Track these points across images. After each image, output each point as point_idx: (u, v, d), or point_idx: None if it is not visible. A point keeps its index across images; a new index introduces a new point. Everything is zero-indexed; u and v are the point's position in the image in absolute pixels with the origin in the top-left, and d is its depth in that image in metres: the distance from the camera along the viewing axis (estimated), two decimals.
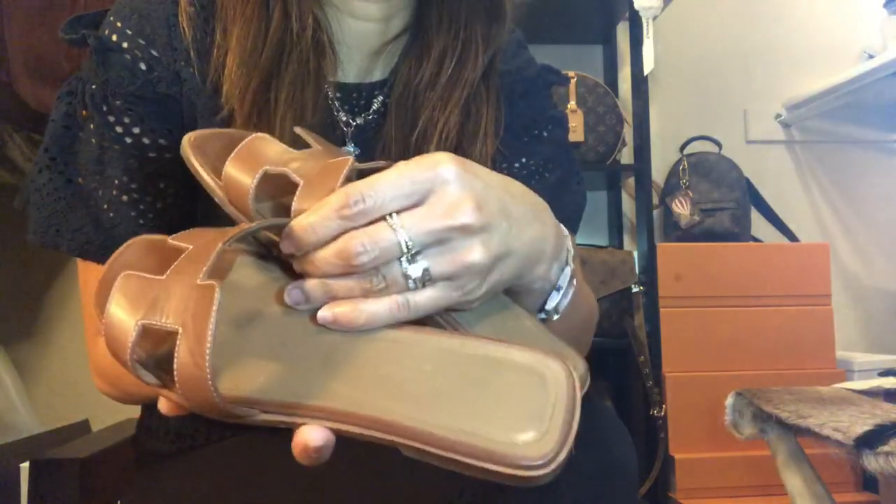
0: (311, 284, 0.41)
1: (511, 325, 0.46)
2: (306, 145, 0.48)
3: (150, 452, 0.68)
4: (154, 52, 0.61)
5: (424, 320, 0.42)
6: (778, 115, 2.13)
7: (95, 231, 0.60)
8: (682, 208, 1.90)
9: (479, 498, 0.44)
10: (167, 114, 0.62)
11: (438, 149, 0.65)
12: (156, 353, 0.39)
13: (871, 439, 0.96)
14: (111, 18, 0.62)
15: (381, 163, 0.45)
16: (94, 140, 0.60)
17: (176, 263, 0.38)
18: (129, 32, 0.61)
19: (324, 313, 0.41)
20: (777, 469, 1.23)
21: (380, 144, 0.66)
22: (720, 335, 1.71)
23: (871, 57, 2.03)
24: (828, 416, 1.07)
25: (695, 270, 1.73)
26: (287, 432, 0.38)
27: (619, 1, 1.82)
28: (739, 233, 1.90)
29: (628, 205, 2.01)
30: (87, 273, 0.62)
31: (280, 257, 0.44)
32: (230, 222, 0.45)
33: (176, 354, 0.35)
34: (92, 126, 0.60)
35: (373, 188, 0.39)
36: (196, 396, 0.36)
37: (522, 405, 0.35)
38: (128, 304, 0.37)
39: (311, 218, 0.40)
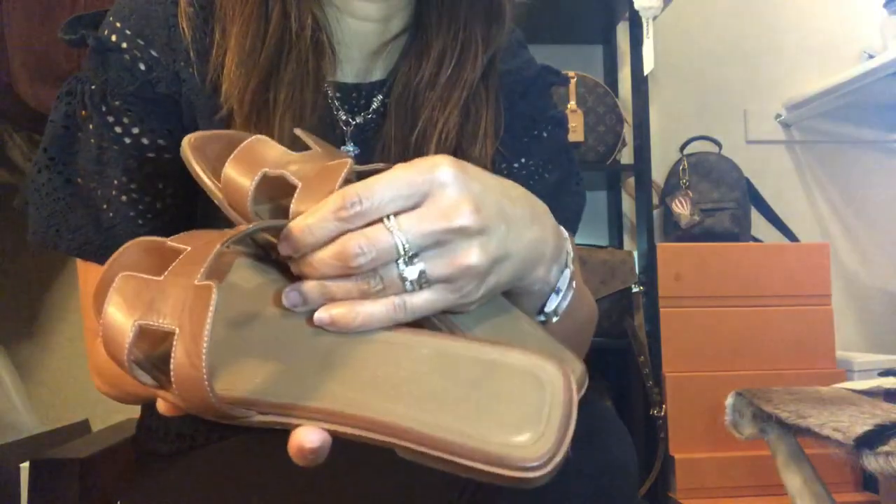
0: (309, 286, 0.41)
1: (509, 327, 0.46)
2: (307, 147, 0.48)
3: (150, 452, 0.68)
4: (153, 53, 0.61)
5: (422, 322, 0.42)
6: (778, 115, 2.13)
7: (95, 231, 0.60)
8: (682, 208, 1.90)
9: (479, 499, 0.44)
10: (166, 114, 0.62)
11: (438, 149, 0.65)
12: (153, 353, 0.39)
13: (871, 439, 0.96)
14: (110, 19, 0.62)
15: (380, 165, 0.45)
16: (93, 140, 0.60)
17: (174, 264, 0.38)
18: (128, 33, 0.61)
19: (321, 314, 0.41)
20: (777, 469, 1.23)
21: (379, 144, 0.66)
22: (720, 335, 1.71)
23: (871, 57, 2.03)
24: (828, 416, 1.07)
25: (695, 270, 1.73)
26: (286, 433, 0.38)
27: (619, 1, 1.82)
28: (739, 233, 1.90)
29: (628, 205, 2.01)
30: (87, 273, 0.62)
31: (278, 260, 0.44)
32: (230, 223, 0.45)
33: (172, 355, 0.36)
34: (91, 126, 0.60)
35: (370, 190, 0.39)
36: (192, 397, 0.36)
37: (519, 407, 0.35)
38: (125, 305, 0.37)
39: (308, 220, 0.40)
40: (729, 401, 1.28)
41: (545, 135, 0.73)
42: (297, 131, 0.50)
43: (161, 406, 0.40)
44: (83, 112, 0.61)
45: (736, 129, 2.12)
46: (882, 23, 2.06)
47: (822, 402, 1.17)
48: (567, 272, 0.52)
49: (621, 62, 2.06)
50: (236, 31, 0.60)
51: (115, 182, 0.60)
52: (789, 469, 1.21)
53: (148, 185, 0.61)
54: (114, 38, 0.61)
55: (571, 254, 0.53)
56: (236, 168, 0.44)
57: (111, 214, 0.60)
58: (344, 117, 0.67)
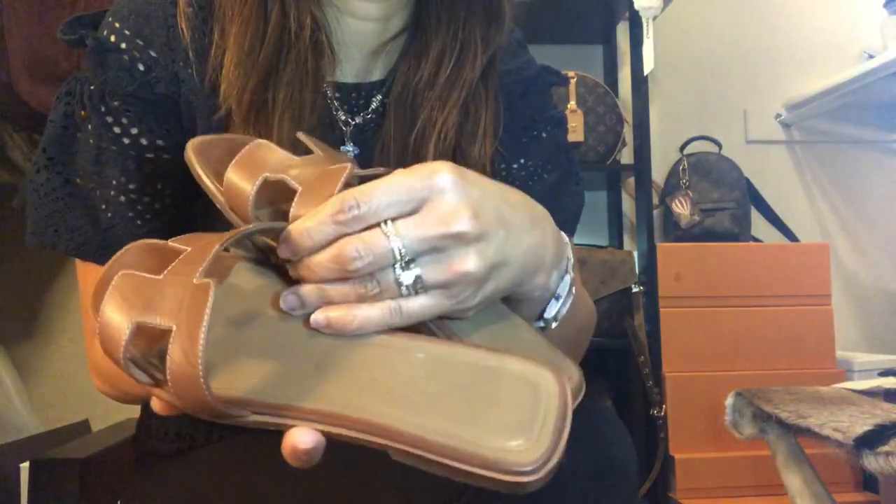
0: (307, 290, 0.42)
1: (507, 334, 0.46)
2: (309, 151, 0.48)
3: (150, 452, 0.68)
4: (152, 53, 0.61)
5: (419, 328, 0.42)
6: (778, 115, 2.13)
7: (93, 231, 0.60)
8: (682, 208, 1.90)
9: (478, 500, 0.44)
10: (165, 114, 0.62)
11: (437, 148, 0.65)
12: (150, 352, 0.39)
13: (871, 439, 0.96)
14: (110, 19, 0.62)
15: (381, 170, 0.45)
16: (91, 140, 0.60)
17: (173, 264, 0.38)
18: (127, 33, 0.61)
19: (317, 317, 0.41)
20: (777, 469, 1.23)
21: (378, 144, 0.66)
22: (720, 335, 1.71)
23: (871, 57, 2.03)
24: (828, 416, 1.07)
25: (695, 270, 1.73)
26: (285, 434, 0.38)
27: (619, 1, 1.82)
28: (739, 233, 1.90)
29: (628, 205, 2.01)
30: (86, 273, 0.62)
31: (278, 265, 0.45)
32: (230, 224, 0.45)
33: (169, 352, 0.36)
34: (90, 126, 0.60)
35: (368, 195, 0.40)
36: (187, 394, 0.36)
37: (513, 412, 0.36)
38: (123, 303, 0.37)
39: (307, 223, 0.40)
40: (729, 401, 1.28)
41: (544, 135, 0.73)
42: (300, 135, 0.50)
43: (156, 405, 0.40)
44: (82, 112, 0.61)
45: (736, 129, 2.12)
46: (882, 23, 2.06)
47: (822, 402, 1.17)
48: (567, 278, 0.51)
49: (621, 62, 2.06)
50: (235, 31, 0.60)
51: (114, 182, 0.60)
52: (789, 469, 1.21)
53: (146, 186, 0.61)
54: (113, 38, 0.61)
55: (572, 259, 0.53)
56: (238, 172, 0.44)
57: (110, 215, 0.60)
58: (343, 117, 0.67)
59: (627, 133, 1.84)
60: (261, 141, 0.47)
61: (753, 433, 1.24)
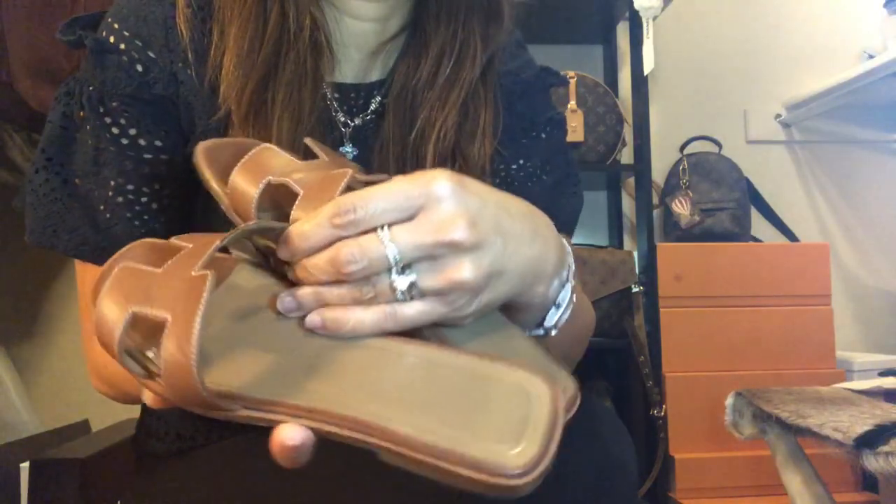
0: (303, 292, 0.42)
1: (503, 344, 0.46)
2: (315, 155, 0.49)
3: (150, 453, 0.68)
4: (151, 54, 0.61)
5: (414, 334, 0.42)
6: (778, 115, 2.13)
7: (92, 232, 0.60)
8: (682, 208, 1.90)
9: (478, 500, 0.44)
10: (163, 115, 0.62)
11: (436, 148, 0.65)
12: (145, 344, 0.39)
13: (871, 439, 0.96)
14: (109, 20, 0.62)
15: (384, 176, 0.45)
16: (90, 141, 0.60)
17: (173, 259, 0.39)
18: (126, 34, 0.61)
19: (313, 318, 0.41)
20: (777, 469, 1.23)
21: (378, 144, 0.66)
22: (720, 335, 1.71)
23: (871, 57, 2.03)
24: (828, 416, 1.07)
25: (695, 270, 1.73)
26: None
27: (619, 1, 1.82)
28: (739, 233, 1.90)
29: (628, 205, 2.01)
30: (85, 274, 0.62)
31: (278, 268, 0.45)
32: (230, 223, 0.46)
33: (163, 342, 0.36)
34: (88, 127, 0.60)
35: (365, 200, 0.40)
36: (179, 385, 0.36)
37: (504, 418, 0.36)
38: (120, 293, 0.38)
39: (305, 226, 0.41)
40: (729, 401, 1.28)
41: (543, 136, 0.73)
42: (307, 140, 0.51)
43: (148, 398, 0.40)
44: (81, 113, 0.61)
45: (736, 129, 2.12)
46: (882, 23, 2.05)
47: (822, 402, 1.17)
48: (568, 286, 0.51)
49: (621, 62, 2.06)
50: (234, 31, 0.61)
51: (112, 183, 0.60)
52: (789, 469, 1.21)
53: (144, 186, 0.61)
54: (112, 39, 0.61)
55: (573, 268, 0.53)
56: (243, 176, 0.45)
57: (108, 215, 0.60)
58: (342, 118, 0.67)
59: (627, 133, 1.84)
60: (267, 145, 0.47)
61: (753, 433, 1.24)
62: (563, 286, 0.51)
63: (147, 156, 0.61)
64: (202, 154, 0.48)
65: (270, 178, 0.44)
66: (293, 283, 0.43)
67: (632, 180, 1.81)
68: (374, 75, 0.69)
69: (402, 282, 0.40)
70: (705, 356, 1.70)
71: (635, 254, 1.75)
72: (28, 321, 1.86)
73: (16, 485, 1.09)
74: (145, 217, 0.61)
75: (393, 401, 0.37)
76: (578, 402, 0.43)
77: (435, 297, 0.41)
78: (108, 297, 0.38)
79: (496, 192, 0.45)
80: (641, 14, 1.71)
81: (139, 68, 0.61)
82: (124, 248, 0.41)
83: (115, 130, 0.60)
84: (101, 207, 0.60)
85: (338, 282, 0.41)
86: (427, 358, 0.39)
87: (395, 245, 0.40)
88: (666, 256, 1.73)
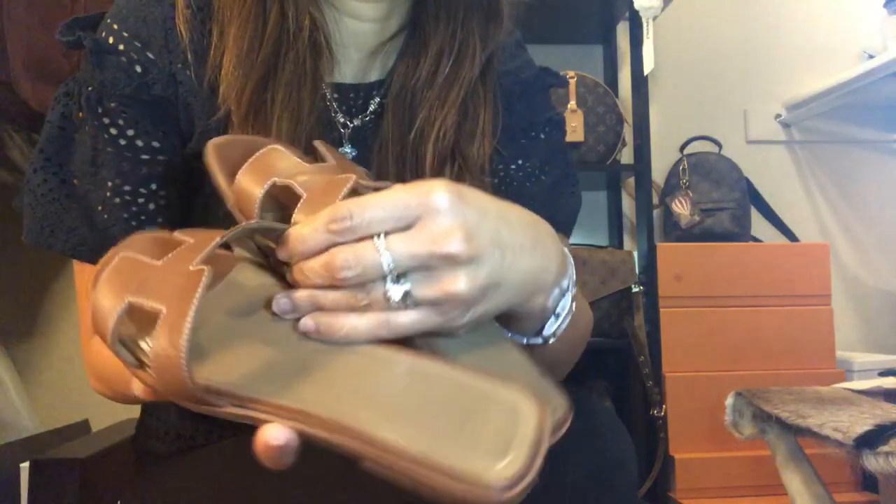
0: (299, 294, 0.42)
1: (497, 358, 0.46)
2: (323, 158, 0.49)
3: (150, 452, 0.68)
4: (150, 55, 0.61)
5: (407, 341, 0.42)
6: (778, 115, 2.13)
7: (89, 232, 0.61)
8: (682, 208, 1.90)
9: None
10: (162, 116, 0.62)
11: (436, 148, 0.65)
12: (140, 335, 0.40)
13: (871, 439, 0.96)
14: (108, 21, 0.62)
15: (389, 183, 0.45)
16: (88, 142, 0.61)
17: (173, 252, 0.39)
18: (125, 35, 0.61)
19: (306, 322, 0.41)
20: (777, 469, 1.23)
21: (377, 144, 0.66)
22: (720, 335, 1.71)
23: (871, 57, 2.03)
24: (828, 416, 1.07)
25: (695, 270, 1.73)
26: None
27: (619, 1, 1.82)
28: (739, 233, 1.90)
29: (628, 205, 2.01)
30: (83, 274, 0.62)
31: (277, 269, 0.45)
32: (229, 224, 0.46)
33: (155, 333, 0.36)
34: (87, 128, 0.61)
35: (361, 207, 0.40)
36: (167, 378, 0.37)
37: (490, 434, 0.35)
38: (118, 282, 0.38)
39: (303, 229, 0.41)
40: (729, 401, 1.28)
41: (542, 136, 0.73)
42: (317, 143, 0.51)
43: (137, 388, 0.41)
44: (80, 114, 0.61)
45: (736, 129, 2.12)
46: (882, 23, 2.05)
47: (822, 402, 1.17)
48: (568, 296, 0.51)
49: (621, 62, 2.06)
50: (234, 31, 0.61)
51: (109, 184, 0.60)
52: (789, 469, 1.21)
53: (141, 187, 0.61)
54: (111, 40, 0.61)
55: (574, 277, 0.52)
56: (249, 175, 0.45)
57: (105, 216, 0.60)
58: (342, 119, 0.67)
59: (627, 133, 1.84)
60: (276, 146, 0.48)
61: (753, 433, 1.24)
62: (563, 295, 0.51)
63: (144, 157, 0.61)
64: (213, 150, 0.48)
65: (276, 179, 0.44)
66: (292, 285, 0.43)
67: (632, 180, 1.81)
68: (374, 75, 0.69)
69: (396, 291, 0.40)
70: (705, 356, 1.70)
71: (635, 254, 1.75)
72: (28, 321, 1.86)
73: (16, 485, 1.09)
74: (142, 218, 0.61)
75: (380, 408, 0.37)
76: (569, 422, 0.43)
77: (429, 306, 0.41)
78: (105, 285, 0.38)
79: (498, 201, 0.45)
80: (641, 14, 1.71)
81: (138, 69, 0.61)
82: (127, 239, 0.42)
83: (113, 131, 0.60)
84: (99, 208, 0.60)
85: (333, 286, 0.41)
86: (418, 368, 0.39)
87: (390, 254, 0.39)
88: (666, 256, 1.73)
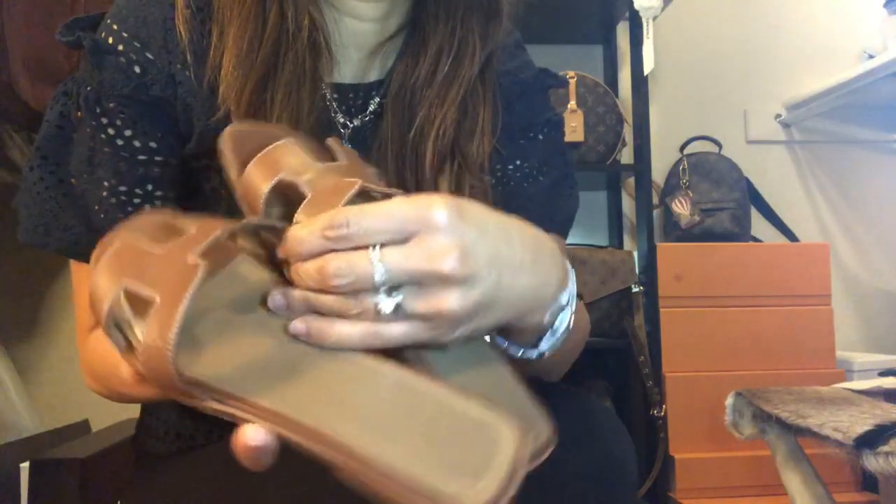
0: (294, 294, 0.42)
1: (486, 377, 0.46)
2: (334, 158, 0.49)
3: (150, 452, 0.68)
4: (149, 55, 0.61)
5: (396, 352, 0.42)
6: (778, 115, 2.13)
7: (85, 231, 0.61)
8: (682, 208, 1.90)
9: None
10: (160, 117, 0.62)
11: (436, 146, 0.65)
12: (134, 319, 0.40)
13: (871, 439, 0.96)
14: (108, 21, 0.62)
15: (398, 191, 0.45)
16: (86, 141, 0.61)
17: (174, 241, 0.40)
18: (124, 35, 0.61)
19: (297, 325, 0.41)
20: (777, 469, 1.23)
21: (377, 143, 0.66)
22: (720, 335, 1.71)
23: (871, 57, 2.03)
24: (828, 416, 1.07)
25: (695, 270, 1.73)
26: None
27: (619, 1, 1.82)
28: (739, 233, 1.90)
29: (628, 205, 2.01)
30: (80, 273, 0.62)
31: (278, 265, 0.45)
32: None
33: (146, 322, 0.37)
34: (85, 127, 0.61)
35: (359, 216, 0.40)
36: (154, 367, 0.37)
37: (467, 455, 0.35)
38: (117, 267, 0.39)
39: (301, 231, 0.41)
40: (729, 401, 1.28)
41: (541, 137, 0.73)
42: (330, 141, 0.51)
43: (125, 371, 0.41)
44: (78, 113, 0.61)
45: (736, 129, 2.12)
46: (882, 23, 2.05)
47: (822, 402, 1.17)
48: (567, 311, 0.51)
49: (621, 62, 2.06)
50: (234, 31, 0.61)
51: (106, 184, 0.60)
52: (789, 469, 1.21)
53: (137, 188, 0.61)
54: (110, 40, 0.61)
55: (575, 291, 0.52)
56: (257, 169, 0.45)
57: (101, 216, 0.60)
58: (342, 119, 0.67)
59: (627, 133, 1.84)
60: (288, 141, 0.47)
61: (753, 433, 1.24)
62: (561, 312, 0.51)
63: (141, 157, 0.61)
64: (228, 139, 0.48)
65: (282, 176, 0.44)
66: (290, 282, 0.43)
67: (632, 180, 1.81)
68: (373, 75, 0.69)
69: (387, 303, 0.40)
70: (705, 356, 1.70)
71: (635, 254, 1.75)
72: (28, 321, 1.86)
73: (16, 485, 1.09)
74: None
75: (360, 419, 0.37)
76: (552, 447, 0.43)
77: (419, 320, 0.41)
78: (105, 267, 0.39)
79: (500, 218, 0.44)
80: (641, 14, 1.71)
81: (137, 70, 0.61)
82: (133, 219, 0.42)
83: (110, 131, 0.60)
84: (95, 208, 0.60)
85: (326, 291, 0.41)
86: (404, 382, 0.39)
87: (383, 266, 0.39)
88: (666, 256, 1.73)
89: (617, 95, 1.94)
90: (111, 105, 0.60)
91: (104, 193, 0.60)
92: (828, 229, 2.13)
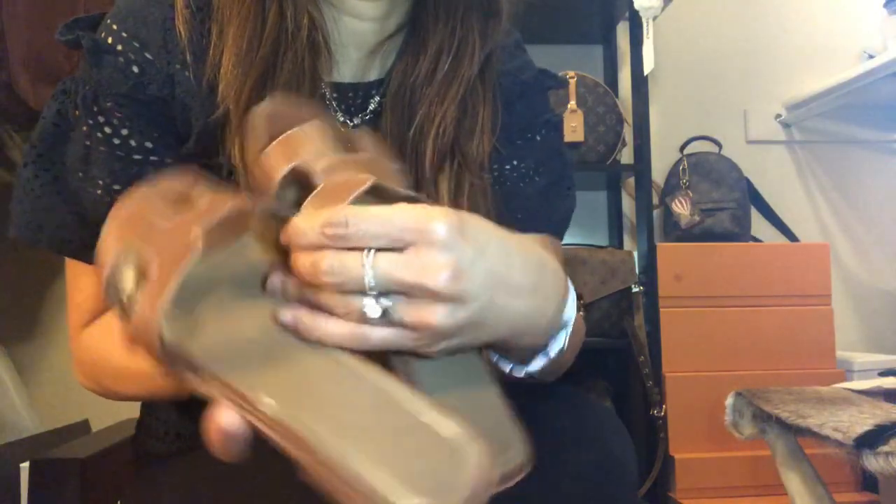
0: (291, 282, 0.42)
1: (468, 392, 0.45)
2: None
3: (150, 452, 0.68)
4: (147, 55, 0.61)
5: (385, 359, 0.42)
6: (778, 115, 2.13)
7: (78, 229, 0.61)
8: (682, 208, 1.90)
9: None
10: (157, 117, 0.62)
11: (436, 144, 0.64)
12: (138, 282, 0.41)
13: (871, 439, 0.96)
14: (108, 21, 0.62)
15: (416, 194, 0.44)
16: (82, 140, 0.61)
17: (184, 214, 0.40)
18: (124, 35, 0.61)
19: (285, 314, 0.41)
20: (777, 469, 1.23)
21: None
22: (720, 335, 1.71)
23: (871, 57, 2.03)
24: (828, 416, 1.07)
25: (695, 270, 1.73)
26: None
27: (619, 1, 1.82)
28: (739, 233, 1.90)
29: (628, 205, 2.01)
30: (74, 270, 0.62)
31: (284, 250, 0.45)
32: None
33: (141, 290, 0.38)
34: (81, 126, 0.61)
35: (358, 218, 0.39)
36: (142, 336, 0.38)
37: (431, 471, 0.35)
38: (127, 231, 0.40)
39: (303, 223, 0.41)
40: (729, 401, 1.28)
41: (538, 138, 0.73)
42: (360, 131, 0.50)
43: (119, 332, 0.41)
44: (76, 112, 0.61)
45: (736, 129, 2.12)
46: (882, 23, 2.05)
47: (822, 402, 1.17)
48: (563, 334, 0.51)
49: (621, 62, 2.06)
50: (233, 30, 0.61)
51: (100, 182, 0.60)
52: (789, 469, 1.21)
53: (131, 187, 0.61)
54: (109, 39, 0.61)
55: (574, 314, 0.52)
56: (276, 152, 0.45)
57: (95, 214, 0.60)
58: (341, 118, 0.67)
59: (627, 133, 1.84)
60: (314, 124, 0.46)
61: (753, 433, 1.24)
62: (556, 335, 0.51)
63: (136, 157, 0.61)
64: (261, 117, 0.47)
65: (298, 163, 0.44)
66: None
67: (632, 180, 1.81)
68: (373, 75, 0.69)
69: (373, 309, 0.40)
70: (705, 356, 1.70)
71: (635, 254, 1.75)
72: (28, 321, 1.86)
73: (16, 485, 1.09)
74: None
75: (329, 417, 0.37)
76: (526, 470, 0.42)
77: (404, 329, 0.41)
78: (114, 230, 0.40)
79: (504, 238, 0.44)
80: (641, 14, 1.71)
81: (135, 69, 0.61)
82: (154, 183, 0.43)
83: (107, 130, 0.60)
84: (88, 206, 0.61)
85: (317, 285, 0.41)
86: (381, 388, 0.39)
87: (374, 272, 0.39)
88: (666, 256, 1.73)
89: (617, 95, 1.94)
90: (108, 104, 0.60)
91: (98, 192, 0.60)
92: (828, 229, 2.13)
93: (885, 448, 0.94)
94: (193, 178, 0.44)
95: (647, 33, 1.72)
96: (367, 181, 0.43)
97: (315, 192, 0.43)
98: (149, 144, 0.61)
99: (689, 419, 1.67)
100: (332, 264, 0.39)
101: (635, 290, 1.69)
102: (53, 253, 0.62)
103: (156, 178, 0.44)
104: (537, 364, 0.52)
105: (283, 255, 0.44)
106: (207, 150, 0.61)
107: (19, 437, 1.38)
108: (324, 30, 0.64)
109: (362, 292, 0.40)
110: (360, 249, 0.40)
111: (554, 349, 0.52)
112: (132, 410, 0.73)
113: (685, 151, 1.99)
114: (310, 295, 0.41)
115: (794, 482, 1.20)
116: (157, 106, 0.62)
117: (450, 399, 0.43)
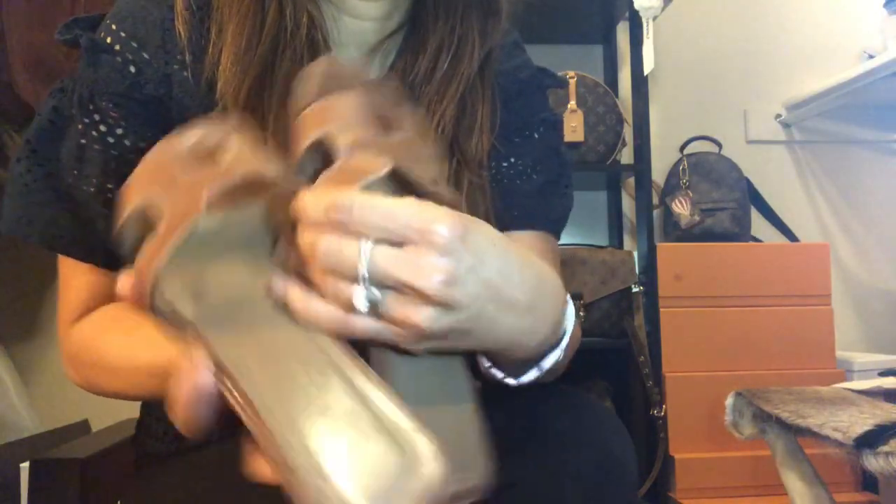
0: (292, 255, 0.42)
1: (443, 401, 0.44)
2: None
3: (150, 452, 0.68)
4: (145, 55, 0.61)
5: (365, 348, 0.42)
6: (778, 115, 2.13)
7: (70, 225, 0.61)
8: (682, 208, 1.90)
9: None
10: (153, 117, 0.62)
11: (435, 142, 0.64)
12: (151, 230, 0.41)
13: (871, 439, 0.96)
14: (107, 21, 0.63)
15: (432, 185, 0.44)
16: (76, 137, 0.61)
17: (202, 172, 0.41)
18: (122, 35, 0.61)
19: (278, 284, 0.41)
20: (777, 469, 1.23)
21: None
22: (720, 335, 1.71)
23: (871, 57, 2.03)
24: (828, 416, 1.07)
25: (695, 270, 1.73)
26: None
27: (619, 1, 1.82)
28: (739, 233, 1.90)
29: (628, 205, 2.01)
30: (66, 267, 0.62)
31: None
32: None
33: (146, 244, 0.39)
34: (77, 124, 0.61)
35: (363, 207, 0.39)
36: (139, 287, 0.39)
37: (384, 476, 0.35)
38: (150, 179, 0.41)
39: (311, 200, 0.40)
40: (729, 401, 1.28)
41: (536, 136, 0.73)
42: (406, 112, 0.49)
43: (122, 284, 0.42)
44: (72, 110, 0.61)
45: (736, 129, 2.11)
46: (882, 23, 2.05)
47: (822, 402, 1.17)
48: (557, 351, 0.51)
49: (621, 62, 2.06)
50: (232, 28, 0.61)
51: (94, 180, 0.60)
52: (789, 469, 1.21)
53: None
54: (108, 39, 0.61)
55: (570, 331, 0.52)
56: (309, 118, 0.44)
57: (87, 211, 0.60)
58: None
59: (627, 133, 1.84)
60: (357, 92, 0.45)
61: (753, 433, 1.24)
62: (549, 354, 0.51)
63: (131, 156, 0.61)
64: (316, 75, 0.46)
65: (322, 136, 0.43)
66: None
67: (632, 180, 1.81)
68: (372, 74, 0.69)
69: (360, 298, 0.39)
70: (705, 356, 1.70)
71: (635, 254, 1.75)
72: (28, 321, 1.86)
73: (16, 485, 1.09)
74: None
75: (297, 404, 0.37)
76: (480, 496, 0.42)
77: (388, 323, 0.40)
78: (141, 176, 0.42)
79: (506, 252, 0.43)
80: (641, 14, 1.71)
81: (132, 69, 0.61)
82: (190, 129, 0.43)
83: (102, 128, 0.61)
84: (81, 203, 0.61)
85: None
86: (356, 383, 0.38)
87: (369, 263, 0.39)
88: (666, 256, 1.73)
89: (617, 95, 1.94)
90: (104, 103, 0.60)
91: (92, 190, 0.60)
92: (828, 229, 2.13)
93: (885, 448, 0.94)
94: (234, 125, 0.43)
95: (647, 33, 1.72)
96: (384, 167, 0.42)
97: (330, 168, 0.42)
98: (143, 145, 0.61)
99: (689, 419, 1.67)
100: (330, 247, 0.39)
101: (635, 290, 1.69)
102: (44, 248, 0.61)
103: (197, 121, 0.44)
104: (529, 376, 0.52)
105: (293, 225, 0.44)
106: None
107: (19, 437, 1.38)
108: (323, 28, 0.64)
109: (354, 280, 0.39)
110: (361, 237, 0.39)
111: (547, 364, 0.51)
112: (132, 410, 0.73)
113: (685, 151, 1.99)
114: (307, 269, 0.41)
115: (793, 482, 1.20)
116: (154, 106, 0.62)
117: (420, 404, 0.42)
